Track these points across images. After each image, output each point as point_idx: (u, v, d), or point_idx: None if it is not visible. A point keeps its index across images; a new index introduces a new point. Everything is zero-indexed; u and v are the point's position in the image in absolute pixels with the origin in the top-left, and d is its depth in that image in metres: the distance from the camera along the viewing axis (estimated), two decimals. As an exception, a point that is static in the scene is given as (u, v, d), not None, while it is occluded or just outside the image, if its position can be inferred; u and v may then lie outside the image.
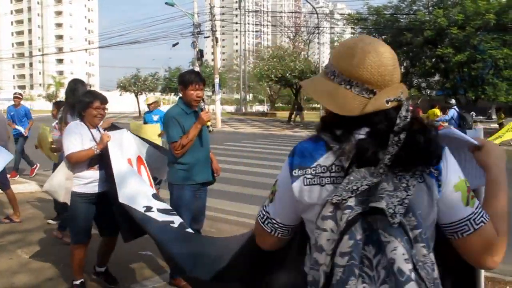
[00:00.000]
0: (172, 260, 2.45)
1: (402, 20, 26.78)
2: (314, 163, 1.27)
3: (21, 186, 8.62)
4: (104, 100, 3.95)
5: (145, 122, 8.90)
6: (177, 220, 3.15)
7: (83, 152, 3.73)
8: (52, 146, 5.94)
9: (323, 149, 1.28)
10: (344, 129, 1.26)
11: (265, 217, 1.43)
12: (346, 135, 1.24)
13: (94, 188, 3.85)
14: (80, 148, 3.74)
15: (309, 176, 1.27)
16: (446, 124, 14.66)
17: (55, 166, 5.86)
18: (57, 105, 6.53)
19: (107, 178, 3.74)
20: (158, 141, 7.35)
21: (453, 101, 16.05)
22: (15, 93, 10.82)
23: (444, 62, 24.47)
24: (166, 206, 3.38)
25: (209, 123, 4.11)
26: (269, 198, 1.42)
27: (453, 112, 14.98)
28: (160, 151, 4.51)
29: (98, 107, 3.88)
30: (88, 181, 3.83)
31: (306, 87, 1.40)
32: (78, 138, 3.77)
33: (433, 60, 25.43)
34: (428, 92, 27.85)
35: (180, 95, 4.26)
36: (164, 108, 8.94)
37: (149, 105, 8.95)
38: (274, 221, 1.41)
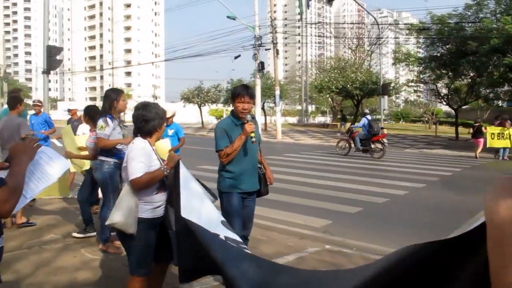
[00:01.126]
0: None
1: (467, 28, 25.95)
2: None
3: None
4: None
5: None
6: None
7: (153, 173, 3.34)
8: (81, 152, 6.19)
9: None
10: None
11: None
12: None
13: (161, 212, 3.49)
14: (146, 170, 3.34)
15: None
16: (360, 130, 18.07)
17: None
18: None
19: (172, 199, 3.39)
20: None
21: (367, 111, 21.55)
22: (34, 101, 10.37)
23: (513, 71, 23.36)
24: (236, 236, 3.11)
25: (252, 134, 4.30)
26: None
27: (364, 120, 17.98)
28: (204, 187, 3.78)
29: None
30: (157, 205, 3.46)
31: None
32: (146, 160, 3.37)
33: (501, 69, 24.16)
34: (497, 103, 26.81)
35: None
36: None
37: (167, 118, 8.89)
38: None
